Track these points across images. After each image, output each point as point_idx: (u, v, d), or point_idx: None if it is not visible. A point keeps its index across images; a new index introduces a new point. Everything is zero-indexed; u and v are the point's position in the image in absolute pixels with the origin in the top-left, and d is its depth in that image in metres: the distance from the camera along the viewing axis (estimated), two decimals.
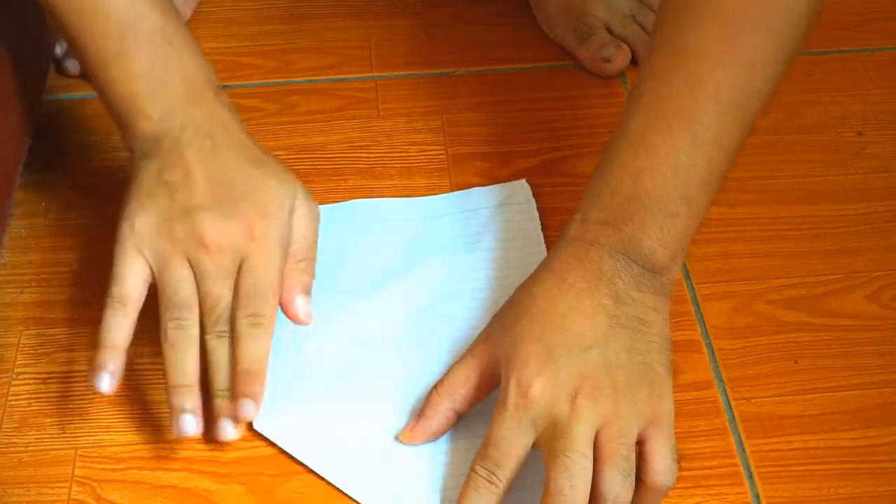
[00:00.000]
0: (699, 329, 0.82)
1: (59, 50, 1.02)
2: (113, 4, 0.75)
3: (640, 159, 0.72)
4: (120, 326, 0.73)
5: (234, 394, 0.72)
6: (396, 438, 0.75)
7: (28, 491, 0.74)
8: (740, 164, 0.93)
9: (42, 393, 0.79)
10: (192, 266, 0.73)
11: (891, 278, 0.85)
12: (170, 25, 0.76)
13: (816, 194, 0.92)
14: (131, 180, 0.77)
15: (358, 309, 0.82)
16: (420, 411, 0.74)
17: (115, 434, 0.77)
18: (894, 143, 0.96)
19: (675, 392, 0.78)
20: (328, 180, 0.93)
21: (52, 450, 0.76)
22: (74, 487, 0.74)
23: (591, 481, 0.67)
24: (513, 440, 0.68)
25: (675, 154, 0.71)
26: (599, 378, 0.69)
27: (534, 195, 0.91)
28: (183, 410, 0.72)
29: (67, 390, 0.79)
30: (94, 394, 0.78)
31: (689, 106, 0.71)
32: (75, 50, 0.77)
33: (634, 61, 1.02)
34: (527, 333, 0.71)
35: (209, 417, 0.73)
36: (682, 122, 0.71)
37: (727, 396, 0.78)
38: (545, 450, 0.68)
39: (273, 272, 0.74)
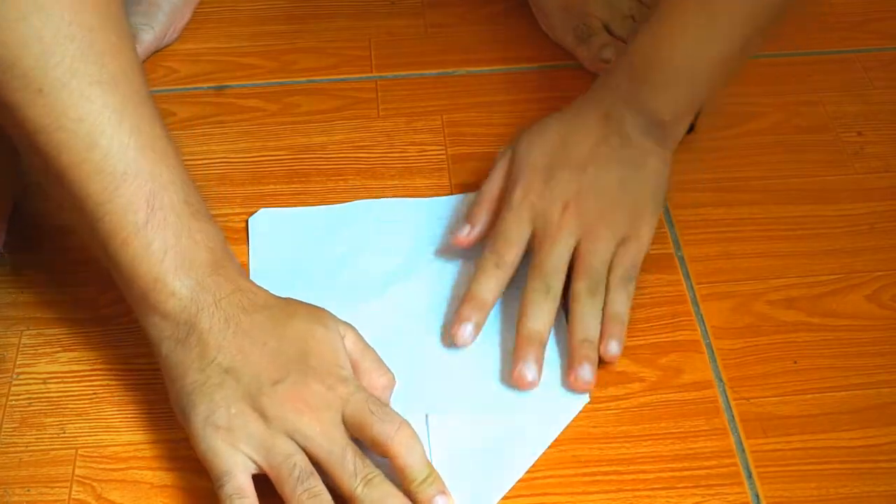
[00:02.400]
0: (699, 329, 0.82)
1: None
2: (141, 173, 0.70)
3: (660, 30, 0.84)
4: None
5: (422, 501, 0.69)
6: (446, 243, 0.86)
7: (28, 491, 0.74)
8: (740, 164, 0.94)
9: (42, 393, 0.79)
10: (292, 438, 0.69)
11: (891, 278, 0.85)
12: (191, 195, 0.73)
13: (816, 194, 0.92)
14: (180, 377, 0.72)
15: (360, 311, 0.82)
16: (468, 219, 0.85)
17: (115, 434, 0.77)
18: (894, 143, 0.96)
19: (674, 392, 0.78)
20: (328, 180, 0.93)
21: (53, 450, 0.76)
22: (75, 487, 0.74)
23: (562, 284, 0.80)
24: (514, 231, 0.81)
25: (687, 30, 0.83)
26: (589, 196, 0.82)
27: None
28: None
29: (67, 390, 0.79)
30: (95, 394, 0.79)
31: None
32: (86, 224, 0.72)
33: None
34: (538, 152, 0.84)
35: None
36: (699, 8, 0.82)
37: (727, 396, 0.78)
38: (533, 246, 0.81)
39: (367, 411, 0.70)
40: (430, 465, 0.70)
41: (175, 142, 0.74)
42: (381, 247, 0.87)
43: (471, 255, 0.85)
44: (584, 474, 0.74)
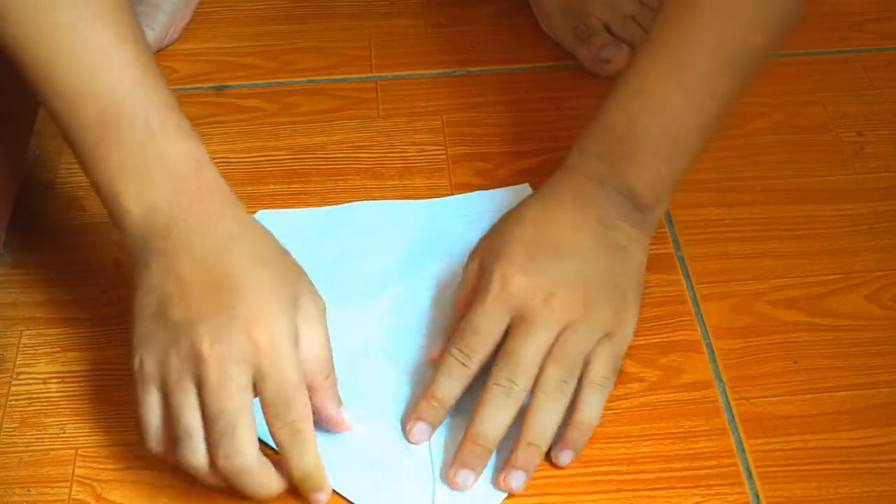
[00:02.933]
0: (699, 329, 0.82)
1: None
2: (95, 93, 0.70)
3: (635, 101, 0.77)
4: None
5: (305, 497, 0.70)
6: (427, 359, 0.78)
7: (28, 491, 0.74)
8: (740, 164, 0.94)
9: (42, 393, 0.79)
10: (196, 384, 0.68)
11: (890, 278, 0.85)
12: (152, 112, 0.71)
13: (816, 194, 0.92)
14: (134, 293, 0.72)
15: (358, 313, 0.82)
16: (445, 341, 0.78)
17: (115, 434, 0.76)
18: (894, 143, 0.96)
19: (674, 392, 0.78)
20: (328, 180, 0.93)
21: (53, 450, 0.76)
22: (75, 487, 0.74)
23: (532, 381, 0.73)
24: (489, 326, 0.74)
25: (668, 99, 0.76)
26: (575, 288, 0.74)
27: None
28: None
29: (67, 390, 0.79)
30: (95, 394, 0.79)
31: (685, 55, 0.76)
32: (62, 133, 0.73)
33: None
34: (516, 240, 0.76)
35: None
36: (676, 70, 0.76)
37: (727, 396, 0.78)
38: (504, 344, 0.73)
39: (291, 371, 0.68)
40: (314, 471, 0.69)
41: (147, 48, 0.73)
42: (378, 248, 0.87)
43: (467, 255, 0.85)
44: (584, 474, 0.74)
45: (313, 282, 0.74)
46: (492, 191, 0.91)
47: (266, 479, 0.69)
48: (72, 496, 0.73)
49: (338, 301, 0.81)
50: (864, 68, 1.03)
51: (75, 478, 0.74)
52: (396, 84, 1.02)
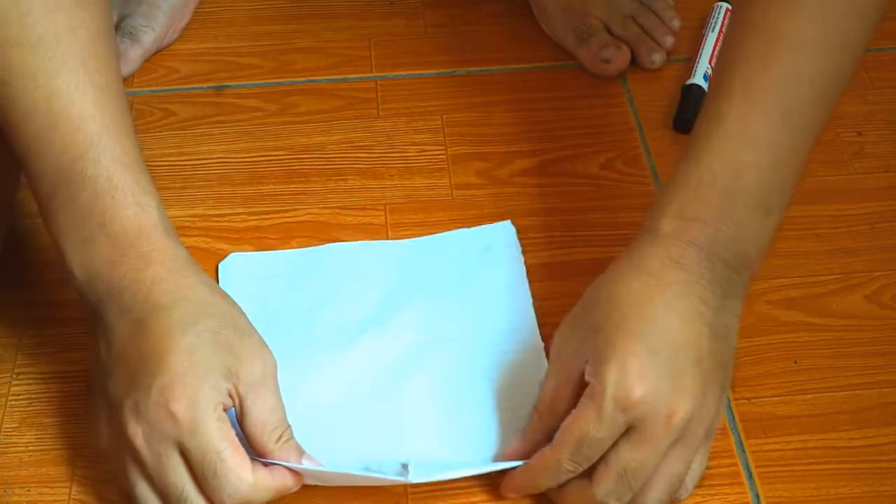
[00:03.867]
0: None
1: None
2: (50, 145, 0.68)
3: (742, 153, 0.68)
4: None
5: None
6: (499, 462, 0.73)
7: (29, 491, 0.74)
8: None
9: (42, 393, 0.79)
10: (136, 462, 0.67)
11: (890, 278, 0.85)
12: (107, 171, 0.68)
13: (816, 194, 0.92)
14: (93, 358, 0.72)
15: (336, 358, 0.79)
16: (523, 432, 0.72)
17: None
18: (894, 143, 0.96)
19: None
20: (328, 180, 0.93)
21: (53, 449, 0.76)
22: (75, 487, 0.74)
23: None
24: (606, 440, 0.66)
25: (777, 148, 0.69)
26: (694, 399, 0.66)
27: (534, 196, 0.91)
28: None
29: (67, 390, 0.79)
30: None
31: (789, 97, 0.68)
32: (27, 180, 0.72)
33: (634, 62, 1.02)
34: (624, 330, 0.66)
35: None
36: (782, 114, 0.68)
37: (727, 396, 0.78)
38: (619, 442, 0.66)
39: (212, 441, 0.65)
40: None
41: (117, 102, 0.70)
42: (355, 291, 0.84)
43: (453, 300, 0.83)
44: None
45: (288, 328, 0.72)
46: (474, 229, 0.89)
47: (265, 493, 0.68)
48: (72, 496, 0.73)
49: (313, 346, 0.79)
50: (864, 68, 1.03)
51: (75, 478, 0.74)
52: (396, 84, 1.02)
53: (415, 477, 0.70)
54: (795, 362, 0.80)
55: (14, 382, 0.80)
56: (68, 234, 0.69)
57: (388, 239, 0.89)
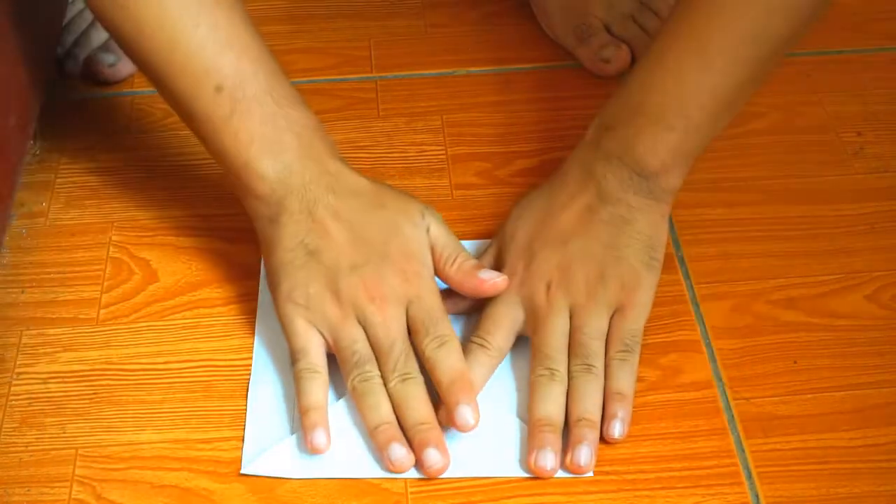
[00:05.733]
0: (699, 329, 0.82)
1: (60, 50, 1.02)
2: (223, 70, 0.77)
3: (650, 76, 0.79)
4: (318, 389, 0.76)
5: (449, 408, 0.73)
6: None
7: (29, 491, 0.74)
8: (740, 164, 0.94)
9: (42, 393, 0.79)
10: (360, 322, 0.76)
11: (890, 278, 0.85)
12: (276, 84, 0.78)
13: (816, 194, 0.92)
14: (271, 252, 0.79)
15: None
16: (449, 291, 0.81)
17: (115, 434, 0.77)
18: (894, 143, 0.96)
19: (674, 392, 0.78)
20: None
21: (53, 450, 0.76)
22: (75, 487, 0.74)
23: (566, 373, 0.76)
24: (501, 313, 0.78)
25: (682, 74, 0.78)
26: (573, 269, 0.78)
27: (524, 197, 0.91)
28: (389, 443, 0.73)
29: (67, 390, 0.79)
30: (95, 394, 0.79)
31: (704, 33, 0.77)
32: (184, 115, 0.79)
33: (634, 62, 1.02)
34: (521, 231, 0.81)
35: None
36: (694, 47, 0.77)
37: (727, 396, 0.78)
38: (531, 339, 0.78)
39: (436, 298, 0.77)
40: (459, 377, 0.74)
41: (258, 33, 0.79)
42: None
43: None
44: None
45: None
46: (481, 242, 0.88)
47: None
48: (72, 496, 0.73)
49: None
50: (864, 68, 1.03)
51: (75, 478, 0.74)
52: (396, 84, 1.02)
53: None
54: (795, 362, 0.80)
55: (14, 382, 0.80)
56: (256, 141, 0.78)
57: None
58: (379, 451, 0.74)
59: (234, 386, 0.79)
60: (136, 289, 0.85)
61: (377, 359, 0.76)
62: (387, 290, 0.76)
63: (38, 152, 0.95)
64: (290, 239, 0.78)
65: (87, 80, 1.02)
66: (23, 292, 0.85)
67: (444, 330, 0.76)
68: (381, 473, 0.74)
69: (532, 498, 0.73)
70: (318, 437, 0.73)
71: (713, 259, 0.87)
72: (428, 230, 0.80)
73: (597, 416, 0.75)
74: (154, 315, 0.84)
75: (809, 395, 0.78)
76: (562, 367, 0.76)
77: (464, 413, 0.73)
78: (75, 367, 0.80)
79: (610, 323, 0.78)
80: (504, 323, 0.78)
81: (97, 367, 0.80)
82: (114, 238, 0.89)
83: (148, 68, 0.78)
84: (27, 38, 0.89)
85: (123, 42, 0.78)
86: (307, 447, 0.73)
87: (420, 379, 0.75)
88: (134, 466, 0.75)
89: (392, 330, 0.76)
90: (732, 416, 0.77)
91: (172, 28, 0.76)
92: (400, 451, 0.73)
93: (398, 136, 0.97)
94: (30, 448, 0.76)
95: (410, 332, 0.76)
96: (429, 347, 0.75)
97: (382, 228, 0.78)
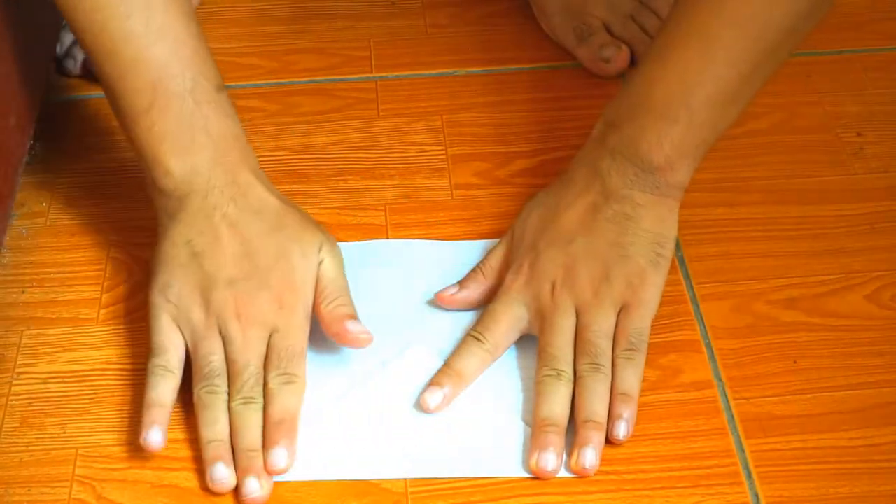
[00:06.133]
0: (699, 329, 0.82)
1: (59, 49, 1.02)
2: (148, 63, 0.77)
3: (655, 70, 0.79)
4: (166, 389, 0.75)
5: (266, 445, 0.73)
6: (433, 298, 0.82)
7: (29, 491, 0.74)
8: (741, 164, 0.94)
9: (42, 393, 0.79)
10: (222, 335, 0.76)
11: (890, 278, 0.85)
12: (200, 87, 0.78)
13: (816, 194, 0.92)
14: (159, 243, 0.79)
15: (352, 357, 0.80)
16: (461, 283, 0.82)
17: (115, 434, 0.77)
18: (894, 143, 0.96)
19: (674, 391, 0.78)
20: (328, 180, 0.93)
21: (53, 449, 0.76)
22: (75, 487, 0.74)
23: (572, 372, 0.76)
24: (503, 312, 0.78)
25: (685, 67, 0.78)
26: (577, 268, 0.78)
27: (534, 197, 0.91)
28: (215, 461, 0.73)
29: (67, 390, 0.79)
30: (95, 393, 0.79)
31: (707, 27, 0.77)
32: (109, 99, 0.80)
33: (634, 62, 1.02)
34: (529, 230, 0.81)
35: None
36: (697, 40, 0.77)
37: (726, 396, 0.78)
38: (535, 332, 0.78)
39: (301, 337, 0.77)
40: (289, 420, 0.74)
41: (198, 31, 0.79)
42: (370, 291, 0.84)
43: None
44: None
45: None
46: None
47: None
48: (72, 496, 0.73)
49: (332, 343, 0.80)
50: (864, 68, 1.03)
51: (75, 478, 0.74)
52: (396, 84, 1.02)
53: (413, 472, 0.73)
54: (795, 362, 0.80)
55: (14, 382, 0.80)
56: (168, 136, 0.78)
57: (388, 239, 0.89)
58: (204, 466, 0.73)
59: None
60: (137, 289, 0.85)
61: (228, 376, 0.75)
62: (254, 312, 0.76)
63: (38, 152, 0.95)
64: (180, 235, 0.78)
65: (87, 79, 1.02)
66: (23, 292, 0.85)
67: (295, 370, 0.75)
68: (382, 475, 0.74)
69: (532, 498, 0.73)
70: (153, 435, 0.73)
71: (713, 259, 0.87)
72: (320, 264, 0.79)
73: (604, 418, 0.75)
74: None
75: (809, 395, 0.78)
76: (568, 368, 0.76)
77: (278, 455, 0.72)
78: (75, 367, 0.80)
79: (616, 322, 0.78)
80: (503, 320, 0.78)
81: (97, 367, 0.80)
82: (114, 238, 0.89)
83: (82, 43, 0.79)
84: (27, 37, 0.89)
85: (64, 14, 0.78)
86: (141, 443, 0.73)
87: (260, 404, 0.74)
88: (134, 466, 0.75)
89: (248, 352, 0.75)
90: (732, 415, 0.77)
91: (104, 12, 0.76)
92: (222, 472, 0.72)
93: (398, 136, 0.97)
94: (30, 448, 0.76)
95: (266, 359, 0.76)
96: (274, 381, 0.75)
97: (272, 252, 0.77)
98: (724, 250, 0.87)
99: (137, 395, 0.78)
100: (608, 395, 0.75)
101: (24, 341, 0.82)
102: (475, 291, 0.82)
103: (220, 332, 0.76)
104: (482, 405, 0.77)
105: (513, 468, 0.74)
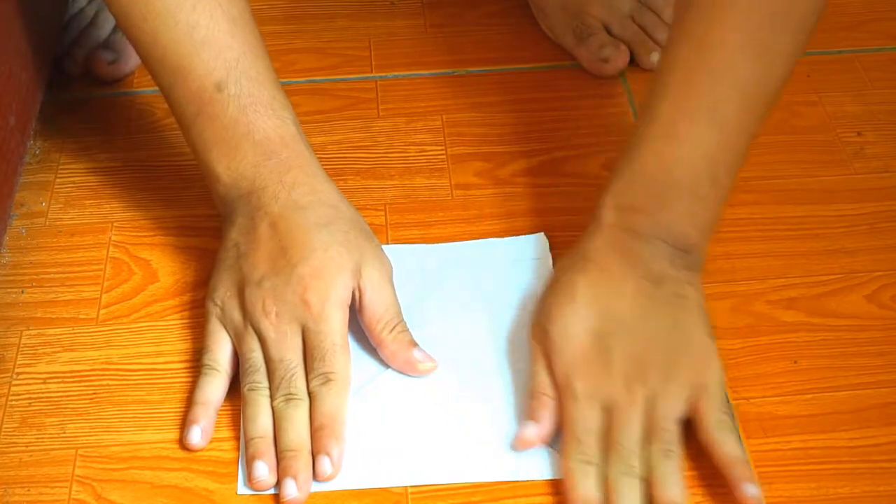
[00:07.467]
0: None
1: (59, 50, 1.02)
2: (194, 71, 0.78)
3: (672, 149, 0.77)
4: (212, 387, 0.77)
5: (314, 452, 0.73)
6: (512, 446, 0.75)
7: (29, 491, 0.74)
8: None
9: (42, 393, 0.79)
10: (257, 334, 0.76)
11: (890, 278, 0.85)
12: (245, 92, 0.79)
13: (816, 194, 0.92)
14: (220, 245, 0.81)
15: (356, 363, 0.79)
16: (530, 415, 0.75)
17: (115, 434, 0.77)
18: (894, 143, 0.96)
19: None
20: None
21: (53, 450, 0.76)
22: (75, 487, 0.74)
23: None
24: (592, 423, 0.73)
25: (703, 143, 0.77)
26: (647, 358, 0.74)
27: (534, 196, 0.91)
28: (254, 459, 0.73)
29: (67, 390, 0.79)
30: (95, 394, 0.79)
31: (713, 97, 0.76)
32: (167, 102, 0.81)
33: (633, 62, 1.02)
34: (579, 329, 0.75)
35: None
36: (706, 112, 0.76)
37: (727, 396, 0.78)
38: (606, 424, 0.73)
39: (335, 328, 0.76)
40: (329, 423, 0.73)
41: (247, 34, 0.80)
42: (430, 291, 0.84)
43: (479, 313, 0.83)
44: None
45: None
46: (506, 239, 0.88)
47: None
48: (72, 496, 0.73)
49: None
50: (864, 68, 1.03)
51: (75, 478, 0.74)
52: (396, 84, 1.02)
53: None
54: (795, 362, 0.80)
55: (14, 382, 0.80)
56: (216, 144, 0.79)
57: (387, 239, 0.89)
58: (245, 463, 0.73)
59: (233, 385, 0.79)
60: (136, 289, 0.85)
61: (268, 373, 0.76)
62: (282, 308, 0.76)
63: (38, 152, 0.95)
64: (230, 239, 0.79)
65: (87, 79, 1.02)
66: (23, 292, 0.85)
67: (331, 366, 0.75)
68: (383, 483, 0.73)
69: (532, 498, 0.73)
70: (192, 434, 0.75)
71: (713, 259, 0.87)
72: (361, 266, 0.77)
73: (683, 499, 0.71)
74: (154, 315, 0.84)
75: (809, 395, 0.78)
76: (638, 464, 0.72)
77: (322, 464, 0.72)
78: (75, 367, 0.80)
79: (696, 405, 0.74)
80: (595, 432, 0.73)
81: (97, 367, 0.80)
82: (114, 238, 0.89)
83: (139, 55, 0.81)
84: (27, 37, 0.89)
85: (120, 25, 0.80)
86: (182, 440, 0.75)
87: (304, 401, 0.75)
88: (134, 466, 0.75)
89: (282, 348, 0.75)
90: (732, 416, 0.77)
91: (154, 22, 0.78)
92: (262, 471, 0.72)
93: (398, 136, 0.97)
94: (30, 448, 0.76)
95: (305, 355, 0.76)
96: (313, 382, 0.75)
97: (308, 245, 0.77)
98: (724, 250, 0.87)
99: (137, 395, 0.78)
100: (681, 476, 0.72)
101: (23, 341, 0.82)
102: (550, 419, 0.75)
103: (255, 331, 0.76)
104: (482, 412, 0.77)
105: (510, 474, 0.74)
